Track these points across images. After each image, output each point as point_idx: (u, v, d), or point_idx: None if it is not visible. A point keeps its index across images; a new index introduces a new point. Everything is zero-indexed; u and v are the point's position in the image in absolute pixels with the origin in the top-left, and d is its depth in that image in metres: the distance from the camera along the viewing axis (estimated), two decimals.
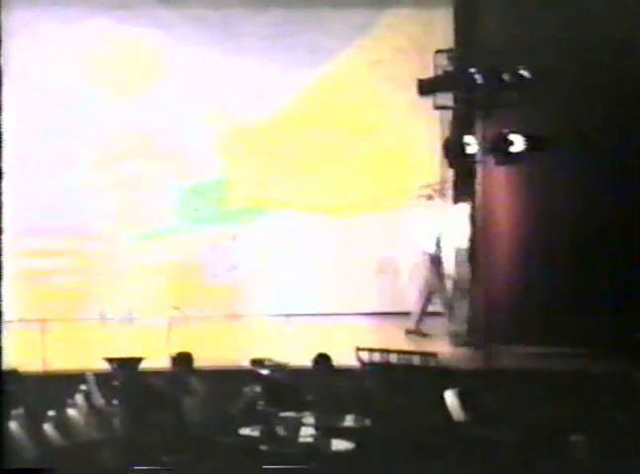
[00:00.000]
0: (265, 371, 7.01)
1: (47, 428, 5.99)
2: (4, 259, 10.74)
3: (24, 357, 7.62)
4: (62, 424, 6.17)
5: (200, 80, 11.28)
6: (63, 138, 11.06)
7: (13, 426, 5.79)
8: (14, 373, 6.41)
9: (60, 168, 11.03)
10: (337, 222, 11.35)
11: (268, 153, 11.41)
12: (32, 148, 10.89)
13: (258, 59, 11.24)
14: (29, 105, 10.89)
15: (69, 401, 6.41)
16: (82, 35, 11.07)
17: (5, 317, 10.27)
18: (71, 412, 6.34)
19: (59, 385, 6.73)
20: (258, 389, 6.77)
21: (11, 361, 6.55)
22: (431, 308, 10.08)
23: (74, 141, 11.10)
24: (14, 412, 5.85)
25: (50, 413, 6.15)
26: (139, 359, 6.92)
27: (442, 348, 8.72)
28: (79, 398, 6.49)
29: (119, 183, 11.15)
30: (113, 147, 11.20)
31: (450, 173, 10.78)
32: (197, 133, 11.35)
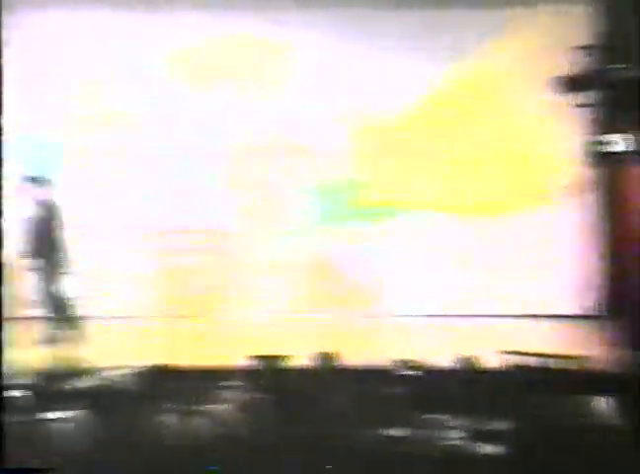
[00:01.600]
0: (408, 372, 7.00)
1: (195, 422, 6.10)
2: (144, 258, 11.12)
3: (172, 353, 7.89)
4: (210, 419, 6.28)
5: (335, 80, 11.34)
6: (200, 138, 11.29)
7: (163, 419, 5.92)
8: (164, 369, 6.56)
9: (198, 168, 11.27)
10: (473, 223, 11.26)
11: (402, 153, 11.39)
12: (169, 149, 11.17)
13: (394, 59, 11.24)
14: (166, 107, 11.15)
15: (215, 397, 6.52)
16: (218, 35, 11.25)
17: (151, 314, 10.62)
18: (218, 407, 6.45)
19: (206, 381, 6.84)
20: (401, 390, 6.75)
21: (164, 357, 6.76)
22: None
23: (211, 141, 11.31)
24: (164, 406, 5.98)
25: (198, 407, 6.26)
26: (284, 357, 6.98)
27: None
28: (225, 394, 6.59)
29: (255, 182, 11.32)
30: (248, 146, 11.37)
31: (591, 173, 10.60)
32: (331, 133, 11.42)
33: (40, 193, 9.63)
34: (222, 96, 11.32)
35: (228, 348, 9.15)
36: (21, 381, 6.37)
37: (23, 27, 10.99)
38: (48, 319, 9.52)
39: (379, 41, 11.22)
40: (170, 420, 5.98)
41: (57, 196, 9.61)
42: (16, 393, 5.99)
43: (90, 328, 9.81)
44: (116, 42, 11.19)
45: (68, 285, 9.73)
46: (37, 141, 11.21)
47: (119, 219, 11.20)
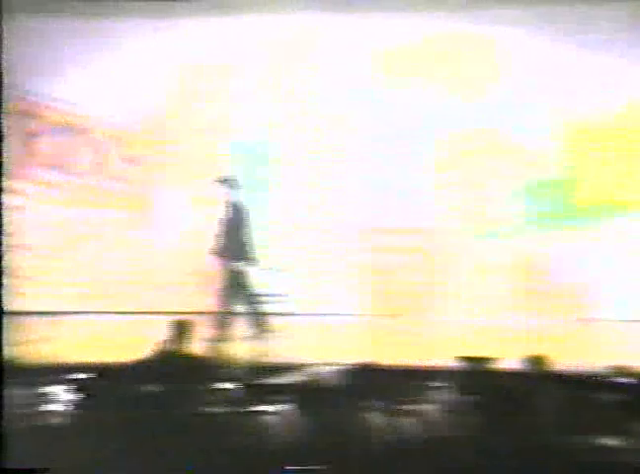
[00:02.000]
0: (622, 379, 6.73)
1: (400, 421, 6.07)
2: (352, 255, 11.22)
3: (378, 351, 7.94)
4: (416, 419, 6.23)
5: (547, 77, 11.07)
6: (408, 137, 11.26)
7: (369, 417, 5.92)
8: (370, 366, 6.58)
9: (407, 166, 11.25)
10: None
11: (616, 152, 11.01)
12: (377, 148, 11.21)
13: (608, 54, 10.87)
14: (374, 107, 11.20)
15: (422, 396, 6.47)
16: (423, 34, 11.20)
17: (358, 311, 10.72)
18: (424, 407, 6.40)
19: (411, 380, 6.81)
20: (615, 397, 6.49)
21: (370, 355, 6.79)
22: None
23: (419, 140, 11.26)
24: (370, 404, 5.98)
25: (404, 407, 6.23)
26: (491, 359, 6.87)
27: None
28: (432, 394, 6.53)
29: (463, 181, 11.20)
30: (457, 145, 11.26)
31: None
32: (542, 131, 11.15)
33: (231, 193, 9.92)
34: (429, 94, 11.24)
35: (434, 347, 9.13)
36: (231, 374, 6.54)
37: (246, 31, 11.31)
38: (243, 315, 9.77)
39: (590, 37, 10.87)
40: (375, 418, 5.98)
41: (246, 197, 9.88)
42: (227, 385, 6.14)
43: (295, 324, 9.97)
44: (323, 44, 11.31)
45: (263, 282, 9.98)
46: (247, 143, 11.49)
47: (326, 217, 11.32)
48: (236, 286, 9.80)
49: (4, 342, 9.24)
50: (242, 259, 9.80)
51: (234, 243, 9.82)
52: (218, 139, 11.43)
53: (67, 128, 11.53)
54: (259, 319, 9.77)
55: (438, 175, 11.27)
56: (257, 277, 10.05)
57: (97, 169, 11.60)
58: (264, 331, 9.68)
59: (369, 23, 11.18)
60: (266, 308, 9.91)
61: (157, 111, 11.45)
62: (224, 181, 10.01)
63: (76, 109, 11.52)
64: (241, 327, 9.75)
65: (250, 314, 9.79)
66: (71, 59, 11.34)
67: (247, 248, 9.86)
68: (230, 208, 9.94)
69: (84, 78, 11.43)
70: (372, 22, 11.17)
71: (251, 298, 9.87)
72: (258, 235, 11.17)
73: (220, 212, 9.97)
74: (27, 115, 11.51)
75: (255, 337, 9.60)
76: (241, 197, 10.02)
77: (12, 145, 11.50)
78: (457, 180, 11.25)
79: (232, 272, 9.79)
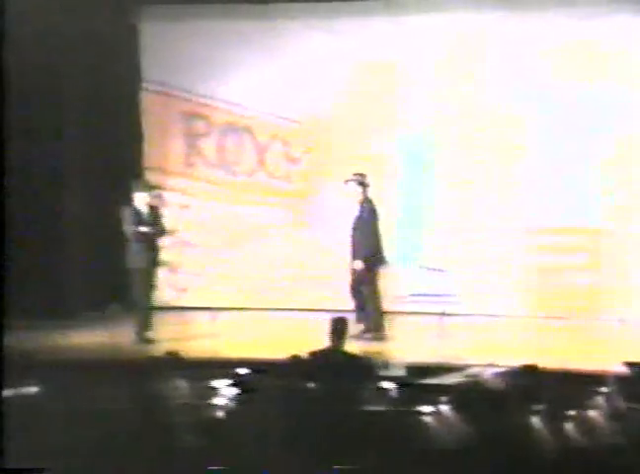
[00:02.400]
0: None
1: (568, 427, 5.90)
2: (517, 255, 11.02)
3: (541, 353, 7.77)
4: (582, 424, 6.05)
5: None
6: (579, 138, 10.92)
7: (533, 421, 5.78)
8: (534, 369, 6.44)
9: (575, 167, 10.94)
10: None
11: None
12: (546, 146, 10.95)
13: None
14: (549, 106, 10.92)
15: (589, 402, 6.27)
16: (596, 31, 10.86)
17: (522, 312, 10.52)
18: (591, 413, 6.20)
19: (579, 385, 6.63)
20: None
21: (527, 357, 6.64)
22: None
23: (590, 140, 10.91)
24: (531, 407, 5.84)
25: (568, 412, 6.06)
26: None
27: None
28: (599, 400, 6.33)
29: (634, 181, 10.82)
30: (629, 145, 10.86)
31: None
32: None
33: (362, 192, 9.87)
34: (602, 93, 10.87)
35: (600, 351, 8.86)
36: (389, 373, 6.51)
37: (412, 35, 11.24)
38: (373, 314, 9.74)
39: None
40: (537, 422, 5.83)
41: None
42: (387, 385, 6.11)
43: (460, 325, 9.88)
44: (494, 42, 11.06)
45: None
46: (413, 141, 11.40)
47: (492, 217, 11.11)
48: (363, 285, 9.79)
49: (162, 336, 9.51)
50: (371, 258, 9.76)
51: (363, 241, 9.78)
52: (382, 138, 11.38)
53: (231, 128, 11.76)
54: (380, 318, 9.75)
55: (607, 174, 10.89)
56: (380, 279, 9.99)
57: (260, 168, 11.78)
58: (382, 330, 9.66)
59: (540, 20, 10.90)
60: (382, 309, 9.85)
61: (319, 110, 11.51)
62: (355, 179, 9.95)
63: (240, 109, 11.72)
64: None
65: (375, 313, 9.76)
66: (236, 61, 11.53)
67: (376, 246, 9.80)
68: (361, 207, 9.89)
69: (249, 79, 11.62)
70: (543, 19, 10.90)
71: (377, 297, 9.83)
72: (424, 234, 11.15)
73: (355, 211, 9.94)
74: (193, 115, 11.80)
75: (376, 336, 9.60)
76: (371, 195, 9.94)
77: (178, 145, 11.86)
78: (627, 180, 10.86)
79: (361, 270, 9.77)
